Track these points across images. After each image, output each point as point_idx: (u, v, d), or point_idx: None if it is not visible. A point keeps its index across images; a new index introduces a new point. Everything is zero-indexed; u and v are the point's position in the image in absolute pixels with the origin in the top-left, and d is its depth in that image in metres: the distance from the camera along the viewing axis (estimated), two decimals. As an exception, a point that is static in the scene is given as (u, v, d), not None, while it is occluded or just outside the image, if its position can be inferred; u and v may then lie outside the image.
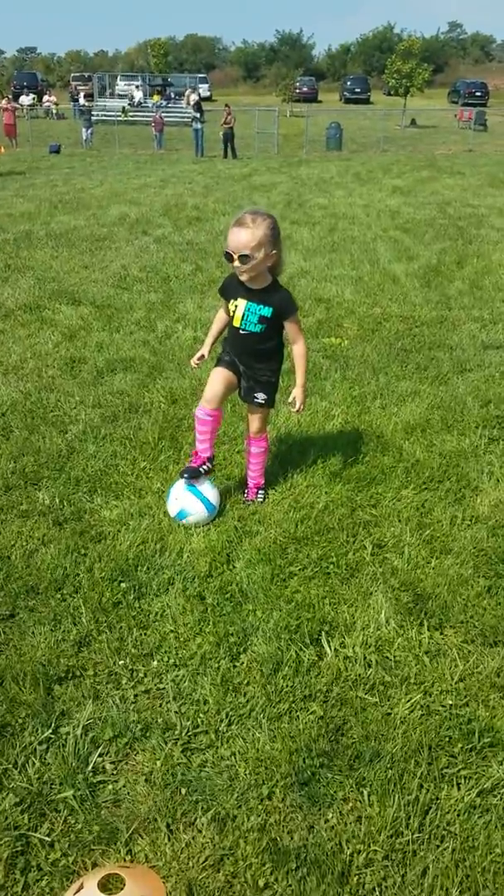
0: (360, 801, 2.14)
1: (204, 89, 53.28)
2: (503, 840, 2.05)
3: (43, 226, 11.09)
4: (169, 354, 5.73)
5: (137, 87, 47.90)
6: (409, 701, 2.47)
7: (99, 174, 19.35)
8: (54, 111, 43.35)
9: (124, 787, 2.18)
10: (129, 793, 2.16)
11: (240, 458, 4.02)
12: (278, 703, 2.44)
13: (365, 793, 2.16)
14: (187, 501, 3.42)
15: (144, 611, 2.86)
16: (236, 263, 3.05)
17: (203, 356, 3.57)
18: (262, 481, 3.70)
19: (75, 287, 7.63)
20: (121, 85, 49.75)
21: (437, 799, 2.16)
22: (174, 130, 34.57)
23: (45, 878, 1.93)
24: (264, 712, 2.40)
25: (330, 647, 2.68)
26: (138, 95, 45.29)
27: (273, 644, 2.67)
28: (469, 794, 2.17)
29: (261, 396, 3.43)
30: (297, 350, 3.34)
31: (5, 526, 3.46)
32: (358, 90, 60.42)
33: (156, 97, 45.49)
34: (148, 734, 2.33)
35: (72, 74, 63.71)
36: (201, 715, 2.40)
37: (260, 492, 3.68)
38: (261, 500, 3.64)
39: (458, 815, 2.11)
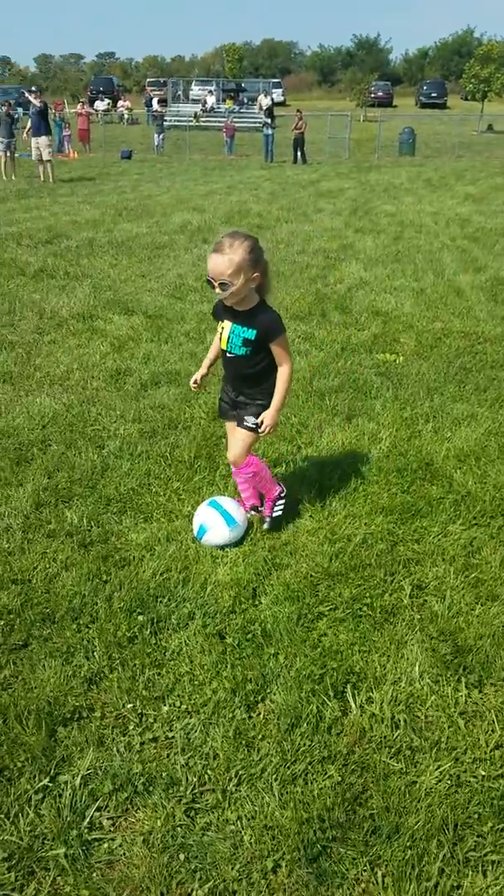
0: (374, 884, 1.94)
1: (277, 94, 53.32)
2: (533, 944, 1.82)
3: (106, 233, 11.15)
4: (214, 368, 5.59)
5: (210, 92, 48.23)
6: (437, 769, 2.25)
7: (167, 181, 19.48)
8: (127, 116, 44.02)
9: (120, 846, 2.03)
10: (124, 853, 2.01)
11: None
12: (293, 763, 2.26)
13: (379, 874, 1.96)
14: (207, 516, 3.33)
15: (160, 647, 2.72)
16: (217, 290, 2.99)
17: (196, 381, 3.44)
18: (276, 490, 3.51)
19: (130, 296, 7.59)
20: (195, 90, 50.23)
21: (460, 887, 1.94)
22: (245, 136, 34.66)
23: None
24: (277, 773, 2.22)
25: (355, 701, 2.48)
26: (211, 101, 45.60)
27: (294, 694, 2.48)
28: (497, 884, 1.95)
29: (251, 421, 3.26)
30: (280, 373, 3.20)
31: (31, 546, 3.37)
32: (434, 94, 59.57)
33: (228, 102, 45.72)
34: (151, 789, 2.18)
35: (147, 79, 64.66)
36: (209, 771, 2.24)
37: (278, 502, 3.50)
38: (280, 511, 3.50)
39: (484, 910, 1.89)
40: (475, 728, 2.41)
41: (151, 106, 38.40)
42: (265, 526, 3.49)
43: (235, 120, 33.74)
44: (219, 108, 44.43)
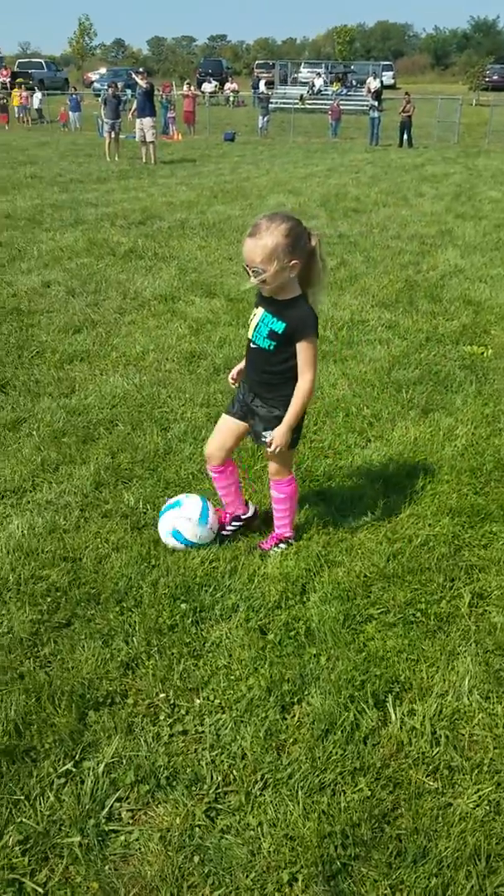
0: (395, 911, 1.82)
1: (387, 77, 52.13)
2: None
3: (199, 215, 11.16)
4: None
5: (318, 74, 47.57)
6: (476, 793, 2.10)
7: (267, 163, 19.35)
8: (233, 99, 44.03)
9: (137, 840, 1.98)
10: (140, 849, 1.96)
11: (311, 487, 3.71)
12: (323, 771, 2.16)
13: (401, 901, 1.84)
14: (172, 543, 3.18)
15: (200, 638, 2.66)
16: (251, 279, 2.69)
17: (234, 376, 3.13)
18: (289, 533, 3.20)
19: (214, 279, 7.55)
20: (303, 73, 49.65)
21: (489, 926, 1.80)
22: (351, 119, 34.02)
23: (32, 932, 1.78)
24: (305, 780, 2.13)
25: (396, 712, 2.35)
26: (318, 83, 45.00)
27: (332, 699, 2.37)
28: (531, 928, 1.79)
29: (268, 435, 2.92)
30: (300, 383, 2.82)
31: (86, 525, 3.38)
32: None
33: (336, 85, 44.99)
34: (174, 784, 2.13)
35: (256, 62, 64.46)
36: (235, 771, 2.16)
37: (281, 544, 3.19)
38: (278, 552, 3.16)
39: None
40: (524, 753, 2.23)
41: (258, 88, 38.26)
42: (261, 550, 3.18)
43: (342, 102, 33.16)
44: (326, 90, 43.80)
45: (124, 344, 5.78)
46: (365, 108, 32.31)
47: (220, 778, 2.15)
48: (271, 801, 2.07)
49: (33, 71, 42.34)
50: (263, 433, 2.94)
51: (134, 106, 18.15)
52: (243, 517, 3.28)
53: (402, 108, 25.20)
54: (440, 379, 5.08)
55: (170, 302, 6.81)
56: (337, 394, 4.79)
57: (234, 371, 3.13)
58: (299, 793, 2.09)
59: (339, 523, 3.37)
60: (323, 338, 5.83)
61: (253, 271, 2.65)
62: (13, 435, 4.28)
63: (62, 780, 2.12)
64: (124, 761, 2.18)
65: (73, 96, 31.00)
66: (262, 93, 33.78)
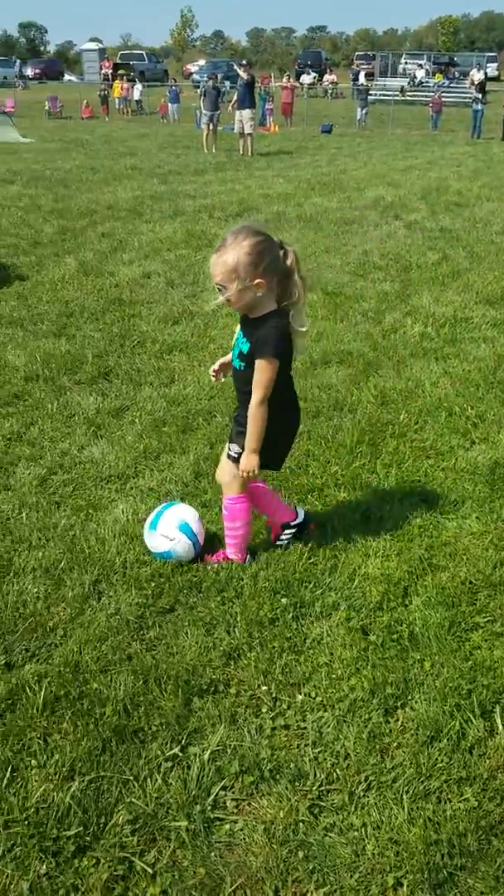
0: (503, 928, 1.78)
1: (492, 69, 50.62)
2: None
3: (296, 207, 11.13)
4: (390, 351, 5.41)
5: (420, 66, 46.65)
6: None
7: (364, 155, 19.10)
8: (331, 91, 43.65)
9: (241, 830, 2.01)
10: (244, 839, 1.98)
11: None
12: (428, 778, 2.13)
13: (510, 919, 1.79)
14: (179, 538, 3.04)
15: (301, 634, 2.66)
16: (218, 297, 2.56)
17: (216, 368, 2.99)
18: (234, 556, 3.03)
19: (311, 272, 7.51)
20: (404, 64, 48.78)
21: None
22: (453, 111, 33.18)
23: (140, 910, 1.83)
24: (409, 786, 2.10)
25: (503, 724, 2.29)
26: (420, 74, 44.12)
27: (436, 706, 2.33)
28: None
29: (234, 449, 2.82)
30: (251, 403, 2.64)
31: (189, 514, 3.43)
32: None
33: (438, 76, 44.01)
34: (277, 777, 2.14)
35: (356, 53, 63.68)
36: (339, 770, 2.16)
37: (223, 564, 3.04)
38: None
39: None
40: None
41: (357, 80, 37.80)
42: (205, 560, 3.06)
43: (444, 95, 32.40)
44: (427, 82, 42.89)
45: (222, 336, 5.83)
46: (467, 100, 31.47)
47: (323, 776, 2.14)
48: (375, 804, 2.06)
49: (135, 62, 43.13)
50: (230, 445, 2.86)
51: (234, 97, 18.22)
52: (293, 524, 3.15)
53: (507, 100, 24.41)
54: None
55: (268, 295, 6.82)
56: (439, 393, 4.70)
57: (217, 363, 2.98)
58: (404, 798, 2.06)
59: (442, 526, 3.30)
60: (424, 334, 5.73)
61: (217, 288, 2.52)
62: (117, 422, 4.38)
63: (169, 764, 2.16)
64: (229, 751, 2.21)
65: (173, 88, 31.40)
66: (362, 84, 33.33)
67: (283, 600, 2.79)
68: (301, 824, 2.01)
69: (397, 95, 36.40)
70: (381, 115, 30.84)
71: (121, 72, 36.20)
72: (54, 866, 1.89)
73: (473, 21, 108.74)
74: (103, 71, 36.74)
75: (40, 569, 3.05)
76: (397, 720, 2.32)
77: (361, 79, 36.57)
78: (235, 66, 19.13)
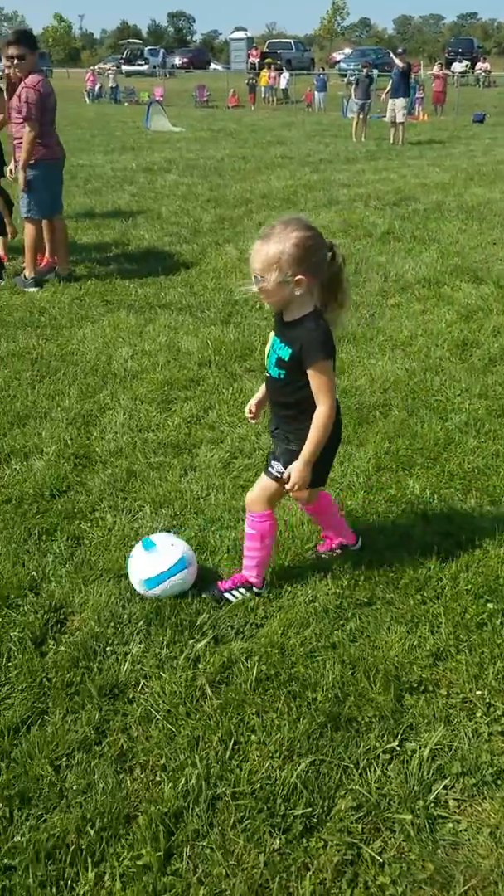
0: None
1: None
2: None
3: (455, 197, 10.83)
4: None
5: None
6: None
7: (521, 144, 18.33)
8: (484, 79, 42.06)
9: (465, 831, 1.98)
10: (469, 840, 1.96)
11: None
12: None
13: None
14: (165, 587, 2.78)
15: (512, 641, 2.59)
16: (253, 287, 2.40)
17: (251, 408, 2.77)
18: (254, 579, 2.81)
19: (479, 264, 7.29)
20: None
21: None
22: None
23: (369, 898, 1.84)
24: None
25: None
26: None
27: None
28: None
29: (276, 468, 2.62)
30: (315, 415, 2.46)
31: (373, 507, 3.42)
32: None
33: None
34: (499, 783, 2.10)
35: (508, 38, 60.94)
36: None
37: (241, 589, 2.82)
38: (232, 599, 2.80)
39: None
40: None
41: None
42: (207, 593, 2.81)
43: None
44: None
45: (390, 328, 5.76)
46: None
47: (546, 787, 2.08)
48: None
49: (282, 51, 43.22)
50: (272, 463, 2.66)
51: (388, 87, 17.92)
52: (352, 547, 3.05)
53: None
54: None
55: (434, 286, 6.68)
56: None
57: (252, 402, 2.77)
58: None
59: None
60: None
61: (255, 278, 2.37)
62: (293, 410, 4.42)
63: (387, 757, 2.17)
64: (447, 751, 2.18)
65: (321, 76, 31.25)
66: (516, 70, 31.87)
67: (490, 605, 2.73)
68: (528, 834, 1.97)
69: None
70: (535, 102, 29.47)
71: (268, 60, 36.34)
72: (284, 843, 1.93)
73: None
74: (251, 60, 37.01)
75: (234, 549, 3.12)
76: None
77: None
78: (391, 55, 18.77)
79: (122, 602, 2.78)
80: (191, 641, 2.59)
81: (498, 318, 5.79)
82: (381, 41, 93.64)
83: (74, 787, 2.07)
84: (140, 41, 72.38)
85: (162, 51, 53.61)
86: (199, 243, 8.41)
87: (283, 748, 2.18)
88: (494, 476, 3.64)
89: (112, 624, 2.67)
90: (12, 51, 6.42)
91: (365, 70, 19.31)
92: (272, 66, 34.20)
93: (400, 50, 18.87)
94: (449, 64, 39.54)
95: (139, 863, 1.87)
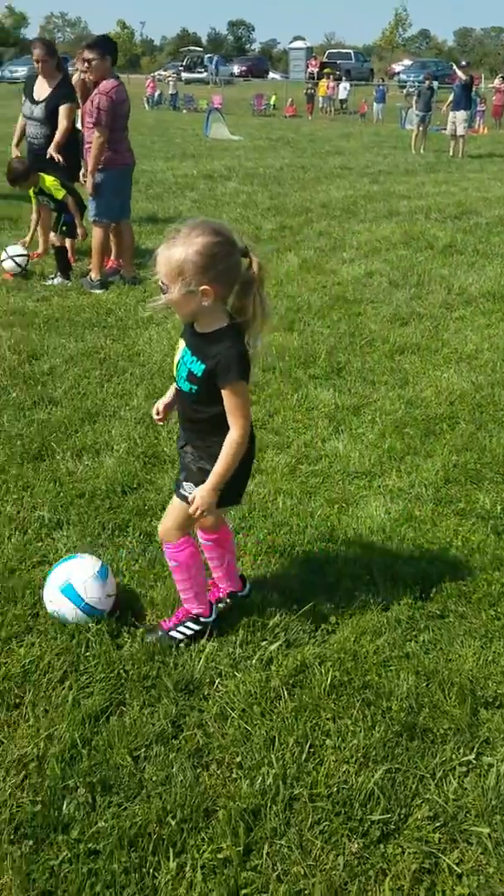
0: None
1: None
2: None
3: (519, 212, 10.74)
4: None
5: None
6: None
7: None
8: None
9: (545, 850, 1.98)
10: (549, 860, 1.95)
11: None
12: None
13: None
14: (60, 603, 2.68)
15: None
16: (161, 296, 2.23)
17: (159, 409, 2.58)
18: (197, 608, 2.62)
19: (547, 281, 7.22)
20: None
21: None
22: None
23: (446, 908, 1.85)
24: None
25: None
26: None
27: None
28: None
29: (188, 488, 2.42)
30: (228, 439, 2.28)
31: (441, 520, 3.42)
32: None
33: None
34: None
35: None
36: None
37: (188, 623, 2.62)
38: (179, 636, 2.61)
39: None
40: None
41: None
42: (151, 637, 2.61)
43: None
44: None
45: (455, 340, 5.74)
46: None
47: None
48: None
49: (341, 61, 43.32)
50: (184, 484, 2.45)
51: (450, 98, 17.84)
52: (239, 595, 2.82)
53: None
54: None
55: (499, 301, 6.64)
56: None
57: (160, 403, 2.57)
58: None
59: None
60: None
61: (160, 286, 2.20)
62: (356, 420, 4.44)
63: (464, 769, 2.17)
64: (526, 768, 2.18)
65: (380, 87, 31.23)
66: None
67: None
68: None
69: None
70: None
71: (326, 70, 36.45)
72: (362, 847, 1.95)
73: None
74: (309, 69, 37.14)
75: (302, 553, 3.15)
76: None
77: None
78: (454, 67, 18.70)
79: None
80: (263, 643, 2.62)
81: None
82: (440, 53, 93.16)
83: (154, 779, 2.12)
84: (200, 49, 73.16)
85: (216, 58, 54.09)
86: (260, 251, 8.41)
87: (359, 754, 2.19)
88: None
89: (185, 621, 2.71)
90: (87, 54, 6.57)
91: (427, 82, 19.24)
92: (331, 76, 34.28)
93: (463, 63, 18.79)
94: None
95: (219, 856, 1.91)
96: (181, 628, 2.62)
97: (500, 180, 14.01)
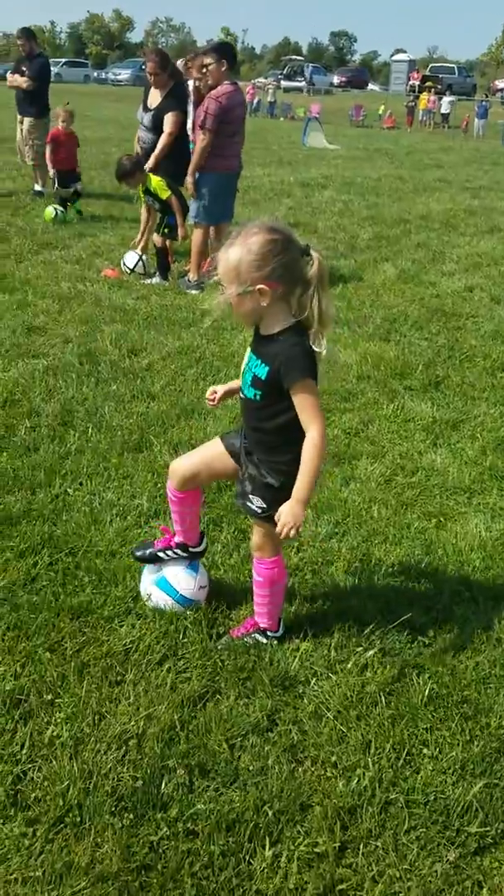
0: None
1: None
2: None
3: None
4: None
5: None
6: None
7: None
8: None
9: None
10: None
11: None
12: None
13: None
14: (157, 596, 2.75)
15: None
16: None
17: (216, 390, 2.56)
18: (265, 624, 2.61)
19: None
20: None
21: None
22: None
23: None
24: None
25: None
26: None
27: None
28: None
29: (256, 503, 2.34)
30: (306, 442, 2.18)
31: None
32: None
33: None
34: None
35: None
36: None
37: (255, 634, 2.62)
38: (252, 641, 2.61)
39: None
40: None
41: None
42: (221, 644, 2.61)
43: None
44: None
45: None
46: None
47: None
48: None
49: (444, 75, 42.87)
50: (251, 497, 2.36)
51: None
52: (191, 549, 2.74)
53: None
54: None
55: None
56: None
57: (221, 387, 2.56)
58: None
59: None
60: None
61: (220, 288, 2.17)
62: (455, 434, 4.39)
63: None
64: None
65: (483, 103, 30.76)
66: None
67: None
68: None
69: None
70: None
71: (428, 84, 36.13)
72: (459, 857, 1.93)
73: None
74: (411, 82, 36.90)
75: (398, 564, 3.14)
76: None
77: None
78: None
79: (286, 599, 2.85)
80: (358, 649, 2.62)
81: None
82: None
83: (250, 768, 2.15)
84: (301, 58, 73.60)
85: (311, 67, 54.30)
86: (357, 259, 8.46)
87: (457, 766, 2.18)
88: None
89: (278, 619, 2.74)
90: (205, 59, 6.70)
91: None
92: (432, 90, 33.96)
93: None
94: None
95: (315, 850, 1.92)
96: (247, 640, 2.64)
97: None
